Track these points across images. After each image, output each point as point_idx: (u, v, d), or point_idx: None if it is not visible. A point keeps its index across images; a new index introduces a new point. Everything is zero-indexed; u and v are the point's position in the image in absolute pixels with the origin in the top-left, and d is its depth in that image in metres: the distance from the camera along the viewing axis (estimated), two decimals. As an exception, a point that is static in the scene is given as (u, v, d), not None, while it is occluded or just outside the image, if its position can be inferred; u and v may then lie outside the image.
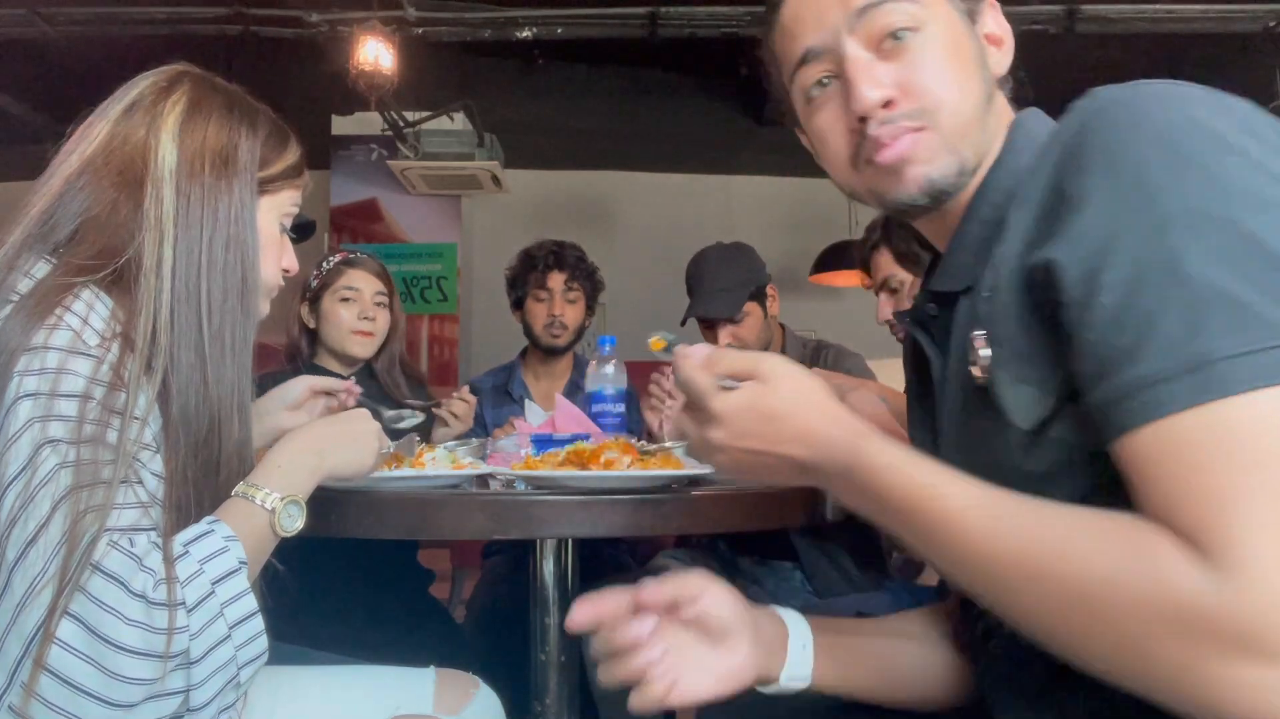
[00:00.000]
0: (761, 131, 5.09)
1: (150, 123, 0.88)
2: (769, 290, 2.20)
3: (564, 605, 1.20)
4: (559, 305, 2.37)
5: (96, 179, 0.85)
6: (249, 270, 0.90)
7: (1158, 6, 3.72)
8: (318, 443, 0.94)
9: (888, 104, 0.72)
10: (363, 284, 1.99)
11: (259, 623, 0.79)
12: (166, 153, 0.87)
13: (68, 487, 0.71)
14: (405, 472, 1.13)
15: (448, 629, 1.92)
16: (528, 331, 2.43)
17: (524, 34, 3.92)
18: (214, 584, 0.76)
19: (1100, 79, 0.68)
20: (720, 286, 2.11)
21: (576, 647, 1.23)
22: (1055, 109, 0.88)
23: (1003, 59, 0.77)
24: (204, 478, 0.84)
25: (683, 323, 2.21)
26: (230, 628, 0.76)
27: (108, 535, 0.71)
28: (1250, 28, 3.78)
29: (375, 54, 3.69)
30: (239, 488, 0.86)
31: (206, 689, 0.74)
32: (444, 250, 5.43)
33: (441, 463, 1.21)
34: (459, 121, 4.31)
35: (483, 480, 1.27)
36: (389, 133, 4.25)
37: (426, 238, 5.39)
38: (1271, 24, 3.75)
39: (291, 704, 0.99)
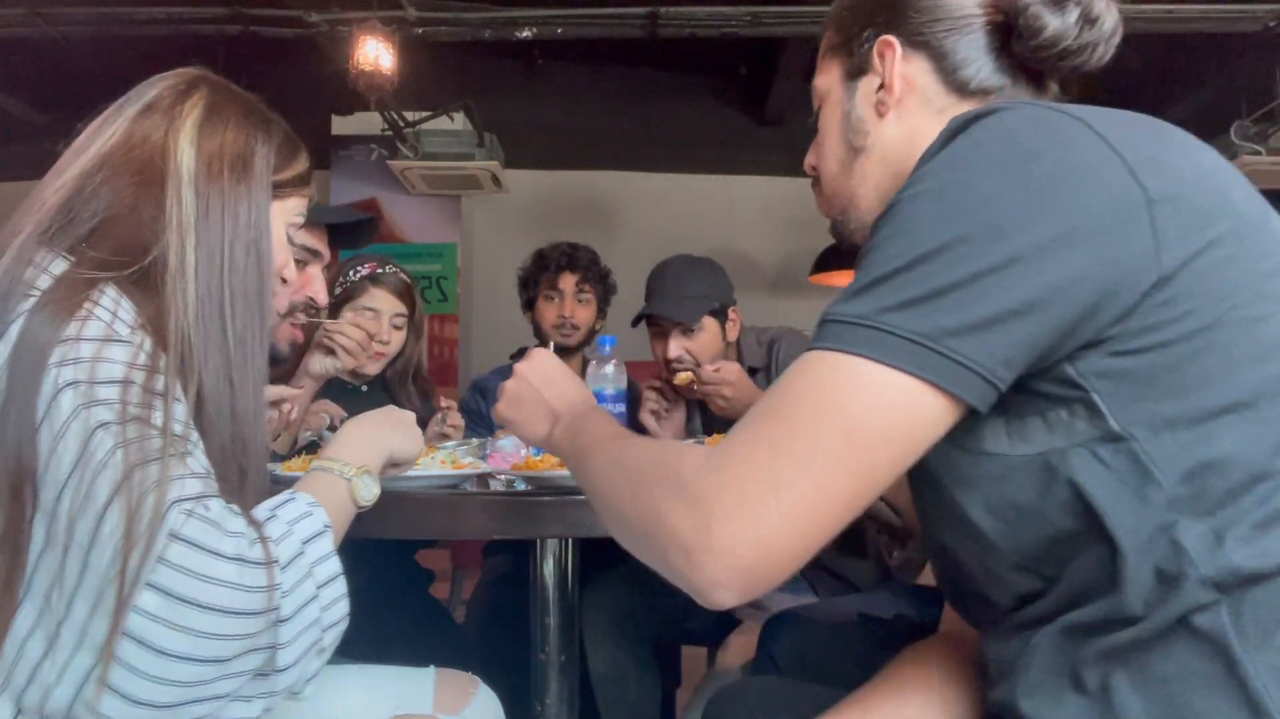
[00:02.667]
0: (762, 131, 5.09)
1: (168, 124, 0.88)
2: (731, 313, 2.08)
3: (564, 605, 1.21)
4: (570, 306, 2.36)
5: (115, 177, 0.85)
6: (265, 275, 0.91)
7: (1158, 6, 3.72)
8: (377, 427, 1.00)
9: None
10: (384, 305, 1.97)
11: (343, 585, 0.81)
12: (185, 154, 0.87)
13: (126, 465, 0.71)
14: (406, 471, 1.13)
15: (448, 629, 1.93)
16: (537, 332, 2.43)
17: (524, 34, 3.92)
18: (304, 544, 0.78)
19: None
20: (683, 293, 2.01)
21: (576, 647, 1.23)
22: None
23: (896, 99, 0.83)
24: (232, 474, 0.85)
25: (634, 323, 2.10)
26: (318, 588, 0.78)
27: (178, 506, 0.71)
28: (1250, 28, 3.78)
29: (375, 54, 3.68)
30: (316, 463, 0.91)
31: (293, 649, 0.75)
32: (444, 250, 5.43)
33: (441, 463, 1.21)
34: (459, 121, 4.31)
35: (483, 480, 1.27)
36: (389, 133, 4.25)
37: (426, 238, 5.39)
38: (1271, 24, 3.75)
39: (292, 704, 0.99)
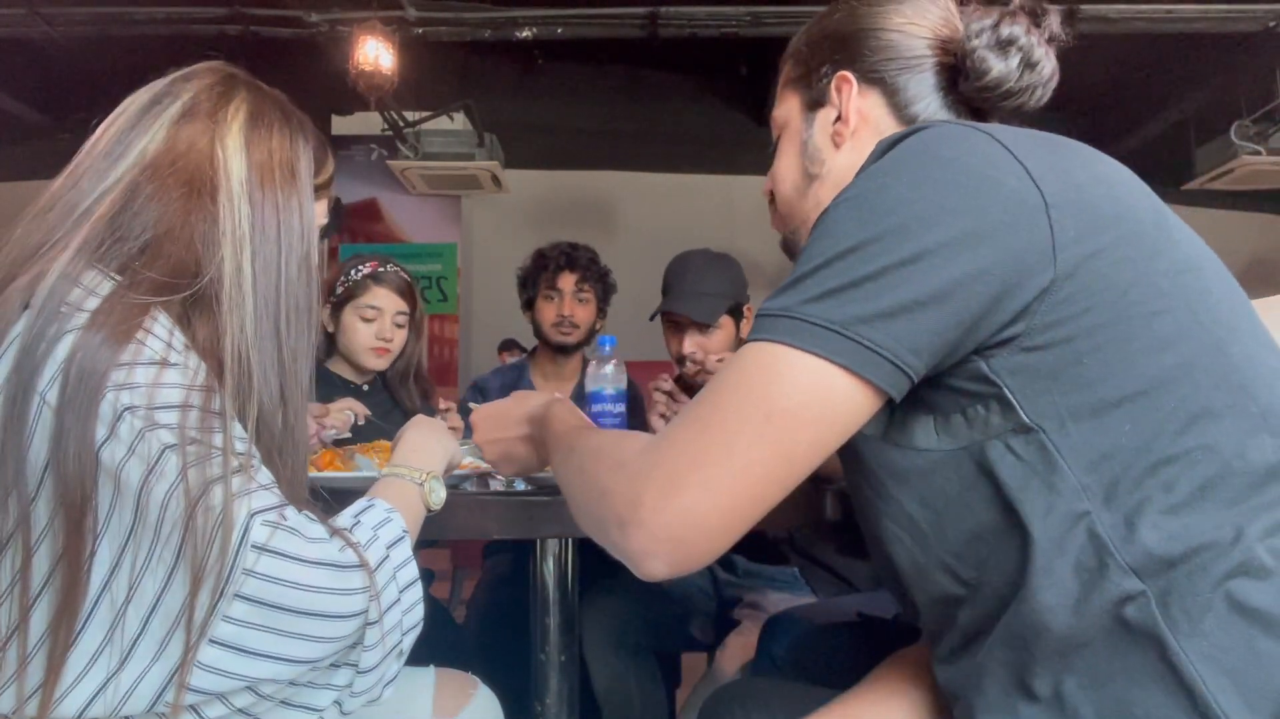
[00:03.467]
0: (761, 132, 5.09)
1: (214, 129, 0.85)
2: (746, 310, 2.06)
3: (564, 605, 1.21)
4: (569, 305, 2.36)
5: (164, 189, 0.82)
6: (314, 286, 0.90)
7: (1158, 6, 3.72)
8: (436, 434, 1.03)
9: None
10: (385, 303, 1.98)
11: (420, 589, 0.81)
12: (235, 164, 0.84)
13: (199, 483, 0.70)
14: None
15: (448, 629, 1.93)
16: (537, 331, 2.43)
17: (524, 34, 3.93)
18: (388, 548, 0.79)
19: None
20: (702, 290, 1.98)
21: (576, 647, 1.23)
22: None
23: (852, 131, 0.88)
24: (283, 489, 0.83)
25: (651, 318, 2.09)
26: (400, 591, 0.78)
27: (259, 518, 0.71)
28: (1250, 28, 3.78)
29: (375, 54, 3.69)
30: (387, 469, 0.93)
31: (376, 652, 0.75)
32: (444, 250, 5.44)
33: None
34: (459, 121, 4.31)
35: (483, 480, 1.27)
36: (389, 133, 4.26)
37: (426, 238, 5.40)
38: (1271, 24, 3.75)
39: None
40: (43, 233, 0.79)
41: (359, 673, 0.76)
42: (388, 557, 0.78)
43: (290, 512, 0.74)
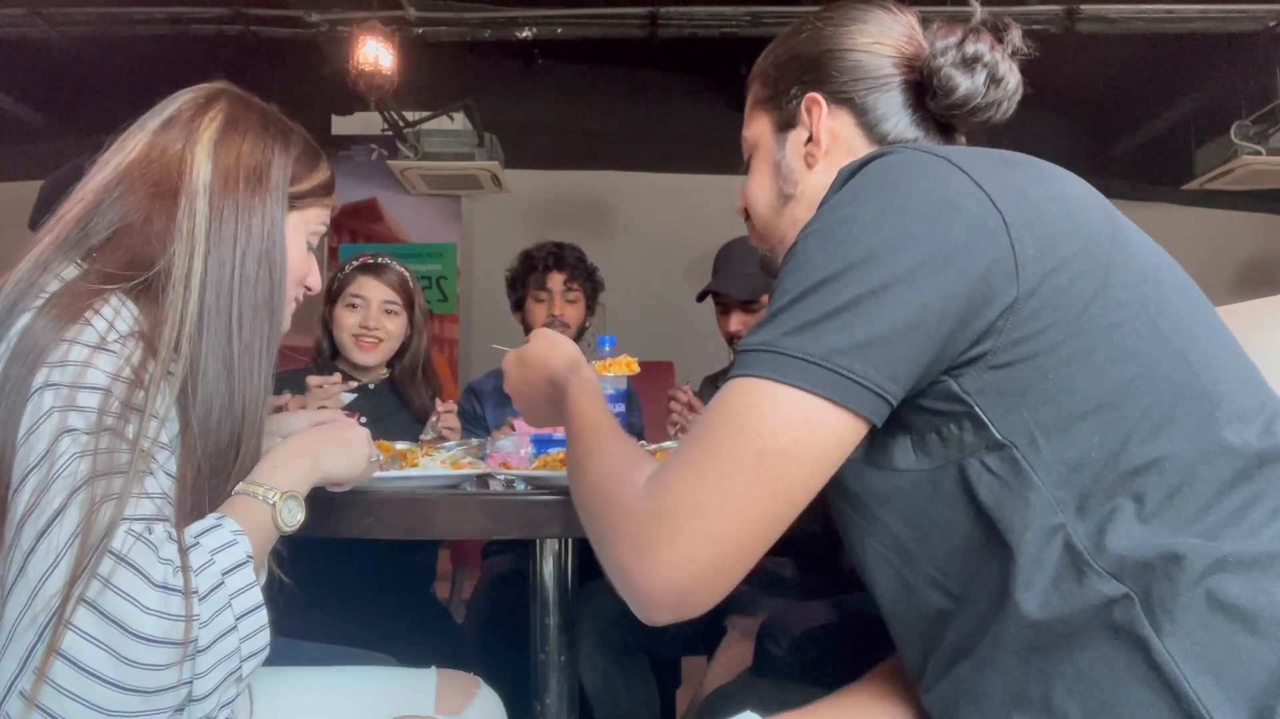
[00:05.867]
0: (761, 131, 5.08)
1: (187, 137, 0.90)
2: None
3: (564, 605, 1.21)
4: (559, 305, 2.36)
5: (132, 189, 0.87)
6: (277, 286, 0.92)
7: (1158, 6, 3.72)
8: (311, 447, 0.95)
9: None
10: (371, 292, 1.98)
11: (264, 616, 0.80)
12: (201, 167, 0.88)
13: (85, 475, 0.71)
14: (406, 471, 1.13)
15: (448, 629, 1.92)
16: (527, 332, 2.43)
17: (524, 34, 3.93)
18: (224, 575, 0.77)
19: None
20: (744, 270, 2.10)
21: (576, 647, 1.23)
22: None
23: (822, 152, 0.90)
24: (217, 485, 0.85)
25: (699, 298, 2.23)
26: (237, 619, 0.77)
27: (126, 524, 0.72)
28: (1250, 28, 3.78)
29: (375, 54, 3.69)
30: (240, 486, 0.87)
31: (210, 679, 0.75)
32: (444, 250, 5.44)
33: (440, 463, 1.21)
34: (459, 121, 4.31)
35: (483, 480, 1.27)
36: (389, 133, 4.25)
37: (426, 238, 5.40)
38: (1271, 24, 3.76)
39: (294, 704, 0.99)
40: (30, 239, 0.85)
41: (192, 700, 0.74)
42: (222, 583, 0.76)
43: (159, 527, 0.75)
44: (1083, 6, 3.73)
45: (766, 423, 0.63)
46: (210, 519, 0.81)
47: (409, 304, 2.04)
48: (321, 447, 0.96)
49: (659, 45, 4.01)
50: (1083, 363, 0.65)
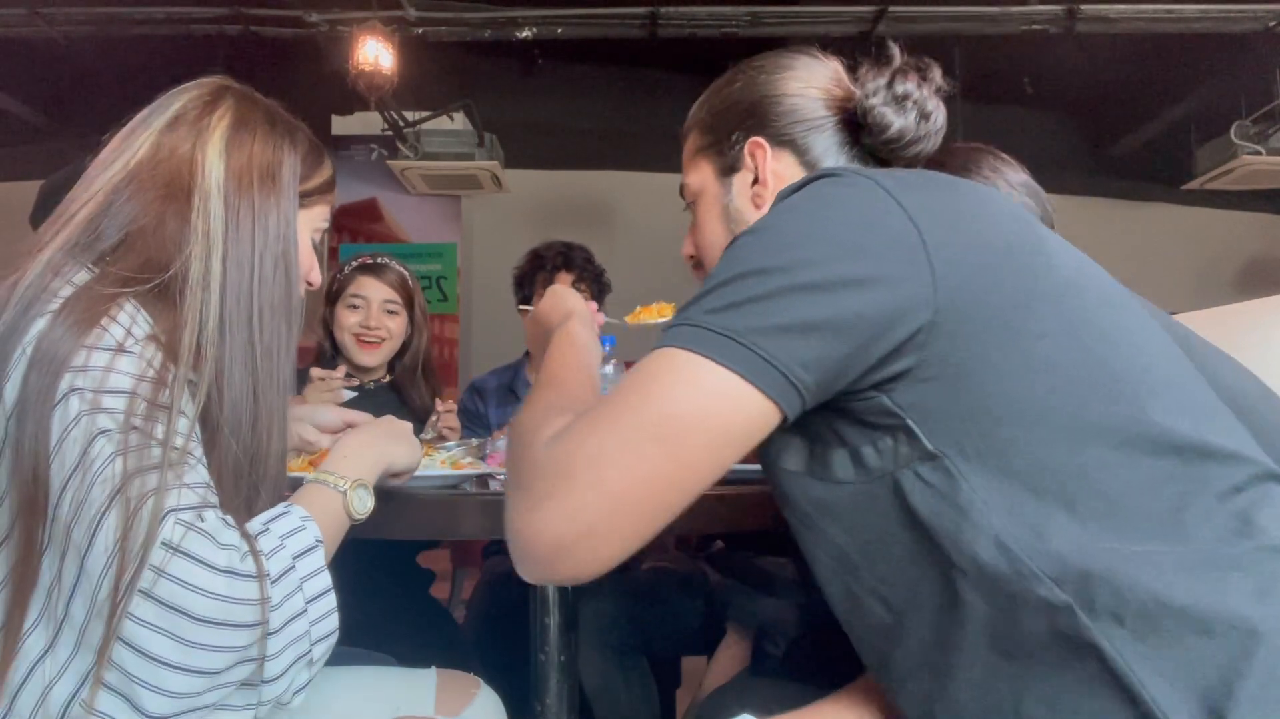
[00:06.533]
0: (761, 131, 5.09)
1: (196, 137, 0.89)
2: None
3: (564, 605, 1.21)
4: None
5: (142, 190, 0.86)
6: (294, 284, 0.92)
7: (1158, 6, 3.72)
8: (376, 439, 1.00)
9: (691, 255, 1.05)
10: (371, 292, 1.98)
11: (333, 600, 0.81)
12: (213, 168, 0.88)
13: (123, 472, 0.72)
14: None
15: (448, 629, 1.92)
16: None
17: (524, 34, 3.93)
18: (294, 559, 0.78)
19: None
20: None
21: (576, 647, 1.23)
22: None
23: (769, 192, 0.93)
24: (245, 486, 0.85)
25: None
26: (307, 602, 0.78)
27: (174, 515, 0.72)
28: (1250, 28, 3.78)
29: (375, 54, 3.69)
30: (313, 475, 0.91)
31: (280, 660, 0.76)
32: (444, 250, 5.44)
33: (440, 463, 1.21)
34: (459, 121, 4.32)
35: (483, 480, 1.27)
36: (389, 133, 4.26)
37: (426, 238, 5.40)
38: (1271, 24, 3.76)
39: (294, 705, 0.99)
40: (33, 239, 0.84)
41: (264, 681, 0.76)
42: (293, 567, 0.78)
43: (210, 514, 0.75)
44: (1083, 6, 3.73)
45: (675, 389, 0.65)
46: (279, 507, 0.83)
47: (409, 303, 2.04)
48: (385, 438, 1.00)
49: (659, 45, 4.01)
50: (1008, 373, 0.66)
